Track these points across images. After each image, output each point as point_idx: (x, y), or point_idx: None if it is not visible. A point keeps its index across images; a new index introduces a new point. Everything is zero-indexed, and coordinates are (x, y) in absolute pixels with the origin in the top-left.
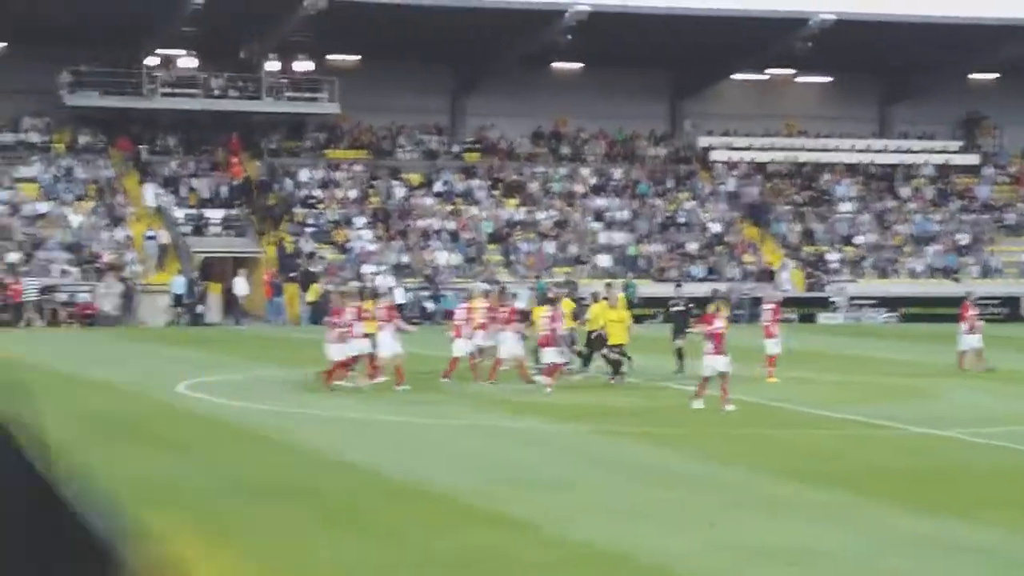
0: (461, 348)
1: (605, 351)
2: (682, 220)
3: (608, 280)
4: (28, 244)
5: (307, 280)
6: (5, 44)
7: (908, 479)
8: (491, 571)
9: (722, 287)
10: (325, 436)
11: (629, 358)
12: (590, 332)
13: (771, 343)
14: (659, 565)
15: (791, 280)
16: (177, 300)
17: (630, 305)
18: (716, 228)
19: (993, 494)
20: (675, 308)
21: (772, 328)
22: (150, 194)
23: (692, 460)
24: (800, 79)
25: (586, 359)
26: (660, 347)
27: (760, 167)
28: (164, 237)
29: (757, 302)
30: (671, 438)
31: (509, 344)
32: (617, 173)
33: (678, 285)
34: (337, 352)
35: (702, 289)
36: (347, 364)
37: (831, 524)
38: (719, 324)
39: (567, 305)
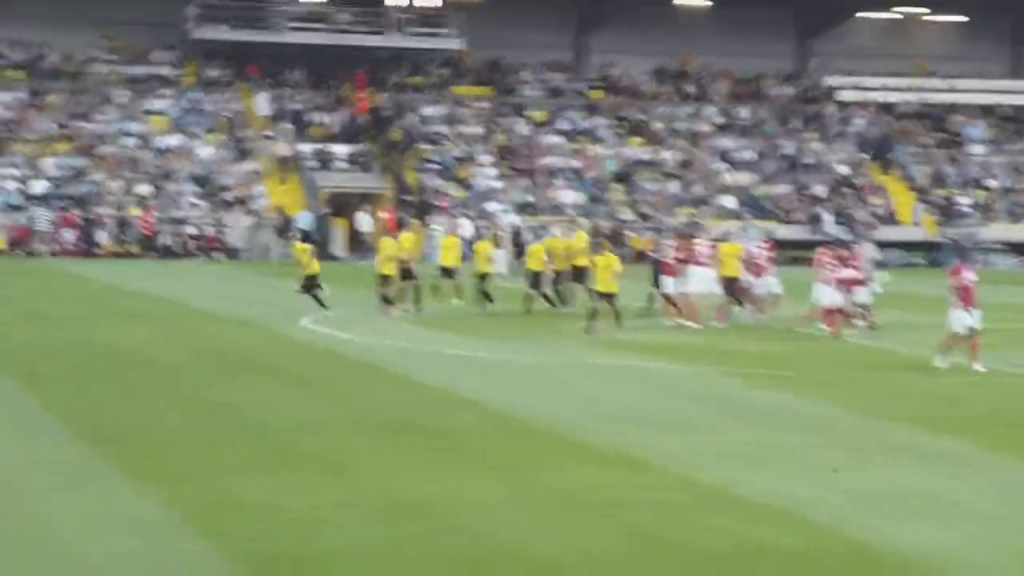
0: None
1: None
2: (809, 161)
3: (569, 217)
4: (158, 176)
5: (424, 214)
6: None
7: None
8: (611, 509)
9: (957, 233)
10: (450, 373)
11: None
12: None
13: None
14: (783, 509)
15: (923, 224)
16: (305, 236)
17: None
18: (843, 170)
19: None
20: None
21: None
22: (263, 103)
23: (817, 405)
24: (931, 18)
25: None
26: (789, 291)
27: (889, 108)
28: (284, 149)
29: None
30: (795, 382)
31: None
32: (743, 113)
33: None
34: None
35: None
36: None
37: (957, 472)
38: (968, 276)
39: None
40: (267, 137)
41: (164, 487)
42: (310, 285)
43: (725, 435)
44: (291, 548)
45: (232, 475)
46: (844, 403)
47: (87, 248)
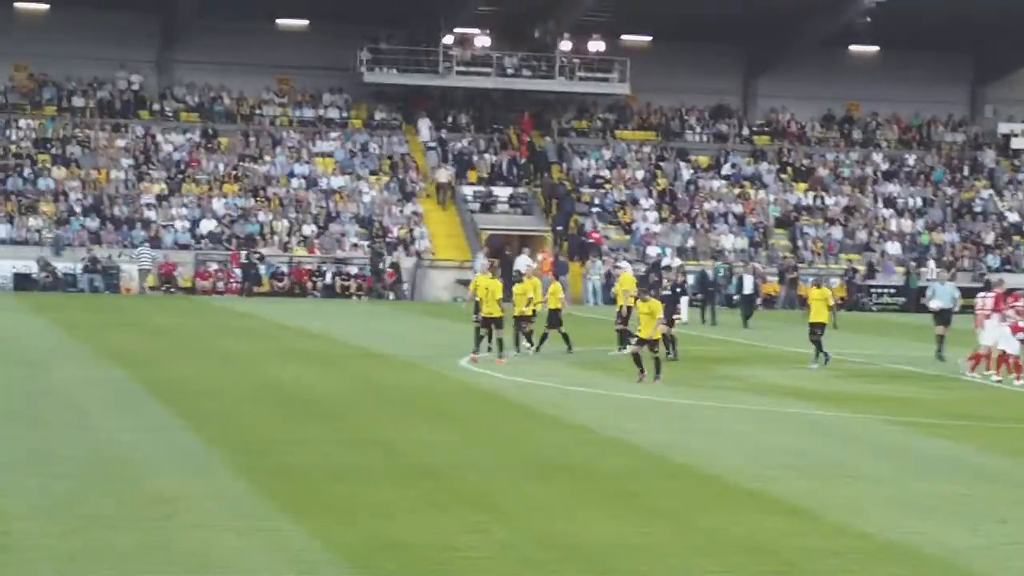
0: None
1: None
2: (978, 209)
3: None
4: (322, 217)
5: (584, 258)
6: (308, 22)
7: None
8: (770, 557)
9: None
10: (605, 415)
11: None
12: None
13: None
14: (946, 561)
15: None
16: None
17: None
18: (1014, 217)
19: None
20: (665, 292)
21: None
22: (425, 130)
23: (984, 454)
24: None
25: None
26: (953, 339)
27: None
28: (442, 175)
29: None
30: (962, 430)
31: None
32: (911, 159)
33: (667, 268)
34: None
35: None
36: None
37: None
38: None
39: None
40: (429, 147)
41: (329, 526)
42: None
43: (886, 483)
44: None
45: (396, 515)
46: (1009, 452)
47: (251, 286)
